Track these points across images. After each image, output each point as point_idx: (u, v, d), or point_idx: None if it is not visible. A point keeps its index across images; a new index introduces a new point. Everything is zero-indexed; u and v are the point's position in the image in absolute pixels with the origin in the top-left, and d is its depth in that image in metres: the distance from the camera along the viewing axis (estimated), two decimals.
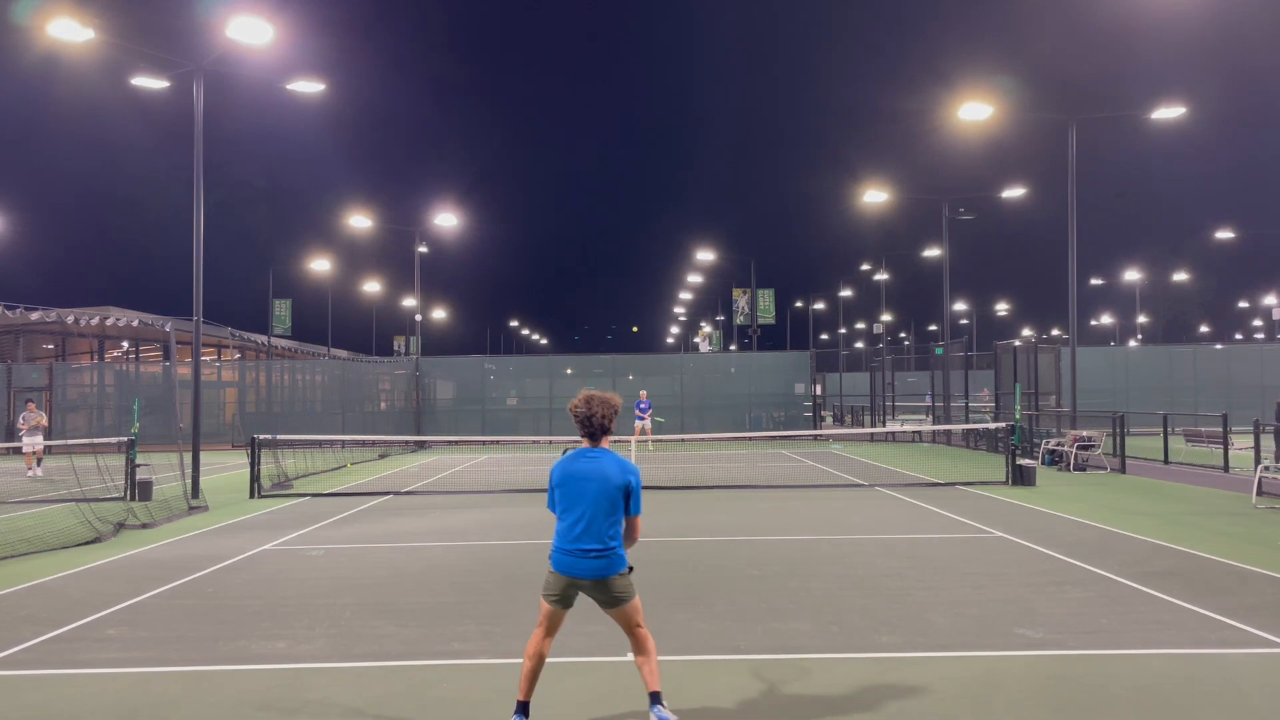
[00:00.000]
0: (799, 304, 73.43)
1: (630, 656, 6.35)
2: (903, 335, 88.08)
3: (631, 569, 5.04)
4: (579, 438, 5.07)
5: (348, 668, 6.13)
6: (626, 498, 4.93)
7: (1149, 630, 6.80)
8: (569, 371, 37.86)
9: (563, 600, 4.99)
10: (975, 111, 22.89)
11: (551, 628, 5.03)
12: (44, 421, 21.20)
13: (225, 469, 22.23)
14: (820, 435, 32.88)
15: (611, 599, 4.95)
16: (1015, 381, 21.00)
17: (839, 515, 13.17)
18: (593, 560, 4.86)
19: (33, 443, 20.38)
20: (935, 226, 34.62)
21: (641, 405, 28.75)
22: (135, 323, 19.61)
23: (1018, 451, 17.12)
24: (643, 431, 27.94)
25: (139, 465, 15.54)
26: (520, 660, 6.30)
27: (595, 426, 4.96)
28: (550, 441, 30.34)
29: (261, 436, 17.61)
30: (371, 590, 8.47)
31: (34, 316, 14.68)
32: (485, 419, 35.00)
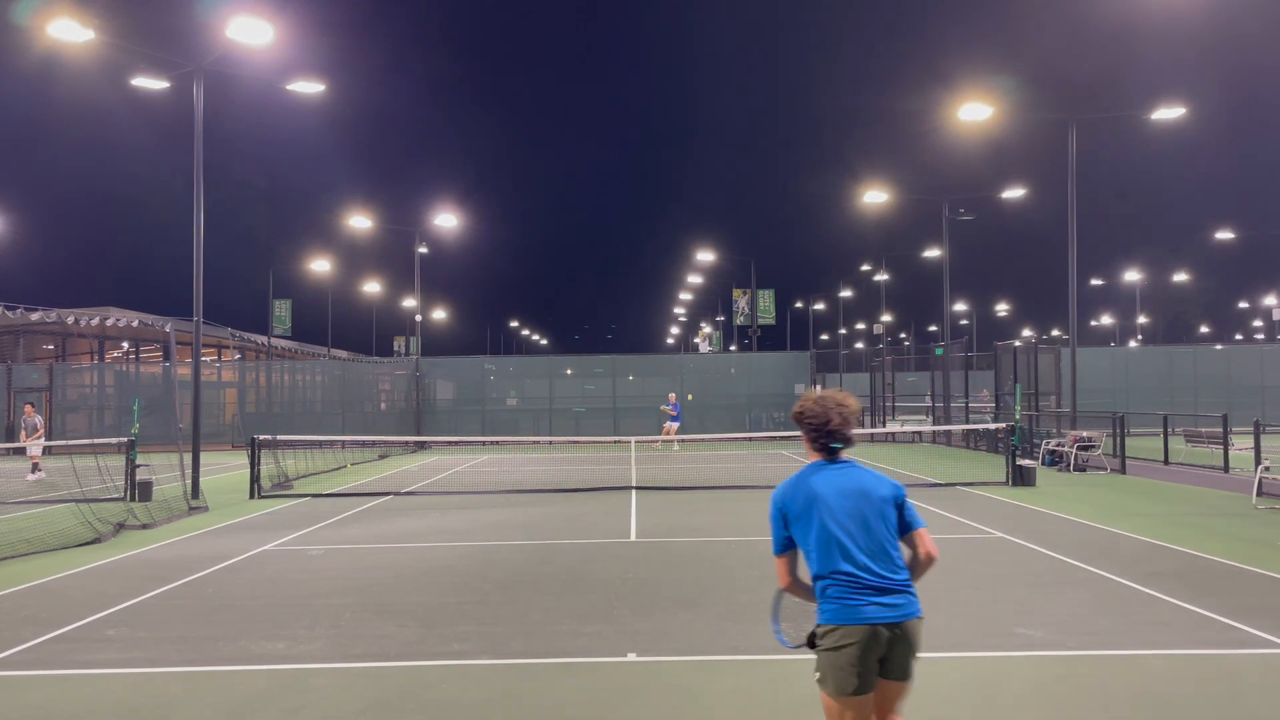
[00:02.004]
0: (799, 304, 73.38)
1: (631, 656, 6.36)
2: (903, 335, 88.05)
3: (813, 637, 3.59)
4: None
5: (348, 668, 6.13)
6: None
7: (1149, 630, 6.80)
8: (569, 371, 37.87)
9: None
10: (975, 112, 22.89)
11: None
12: (40, 426, 20.84)
13: (225, 469, 22.24)
14: None
15: None
16: (1015, 382, 21.01)
17: None
18: None
19: (31, 445, 20.23)
20: (935, 226, 34.67)
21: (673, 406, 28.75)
22: (135, 323, 19.59)
23: (1018, 452, 17.12)
24: (667, 433, 27.99)
25: (139, 465, 15.54)
26: (519, 661, 6.31)
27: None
28: (550, 442, 30.43)
29: (261, 437, 17.62)
30: (371, 590, 8.47)
31: (34, 317, 14.67)
32: (485, 419, 35.00)
